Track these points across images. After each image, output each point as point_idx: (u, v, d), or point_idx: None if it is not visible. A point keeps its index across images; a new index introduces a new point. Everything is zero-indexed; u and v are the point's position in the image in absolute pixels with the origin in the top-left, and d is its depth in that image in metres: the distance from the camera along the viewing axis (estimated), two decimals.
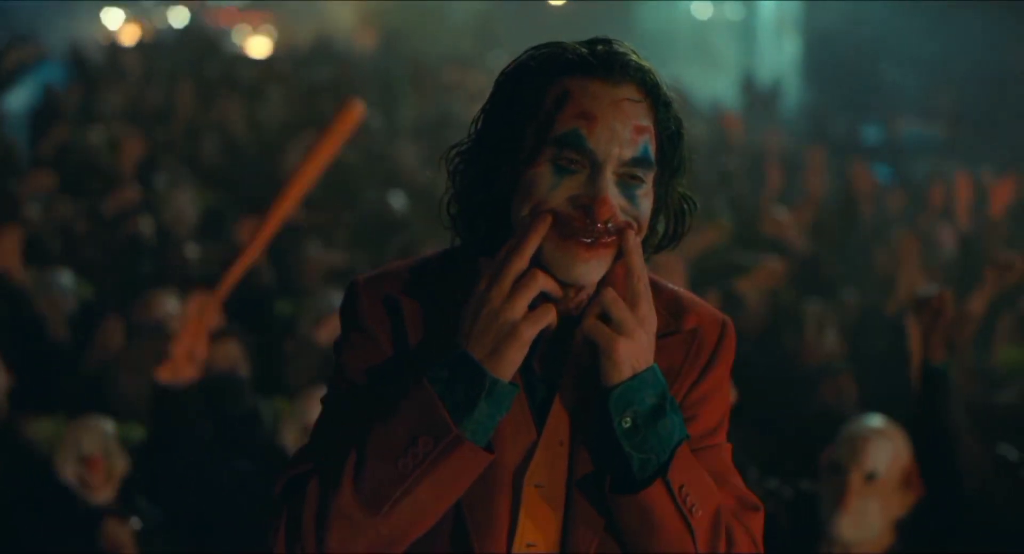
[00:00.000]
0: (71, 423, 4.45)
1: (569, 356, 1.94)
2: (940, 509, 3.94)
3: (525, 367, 1.90)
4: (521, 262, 1.84)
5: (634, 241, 1.87)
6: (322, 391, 4.37)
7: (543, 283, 1.85)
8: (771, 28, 23.61)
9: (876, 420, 3.85)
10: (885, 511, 3.67)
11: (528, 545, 1.91)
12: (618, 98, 1.87)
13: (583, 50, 1.91)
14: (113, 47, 17.64)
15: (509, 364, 1.83)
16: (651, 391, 1.86)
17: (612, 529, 1.91)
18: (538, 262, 1.87)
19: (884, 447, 3.69)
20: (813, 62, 20.73)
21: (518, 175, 1.89)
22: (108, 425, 4.42)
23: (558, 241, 1.85)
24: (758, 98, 17.06)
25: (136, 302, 5.91)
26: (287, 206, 4.11)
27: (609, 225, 1.85)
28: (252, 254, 4.18)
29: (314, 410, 4.36)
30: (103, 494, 4.32)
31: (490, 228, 1.93)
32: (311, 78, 15.06)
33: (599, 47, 1.91)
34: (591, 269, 1.86)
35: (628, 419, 1.84)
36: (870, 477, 3.65)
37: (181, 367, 4.13)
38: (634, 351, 1.85)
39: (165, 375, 4.12)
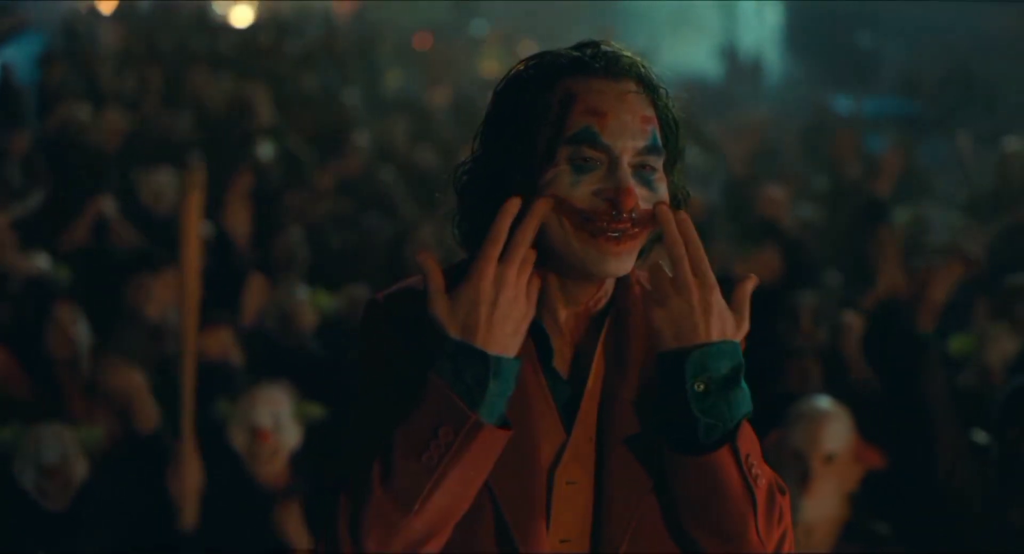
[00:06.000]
0: (30, 431, 4.41)
1: (592, 355, 2.01)
2: (910, 482, 4.04)
3: (548, 369, 1.98)
4: (522, 249, 1.89)
5: (667, 213, 1.93)
6: (263, 388, 4.50)
7: (532, 258, 1.91)
8: None
9: (823, 401, 3.94)
10: (841, 488, 3.78)
11: (562, 541, 1.96)
12: (622, 92, 1.94)
13: (576, 53, 1.99)
14: (92, 15, 17.48)
15: (516, 341, 1.89)
16: (728, 362, 1.90)
17: (643, 524, 1.96)
18: (566, 258, 1.94)
19: (838, 428, 3.78)
20: (795, 32, 20.70)
21: (535, 180, 1.94)
22: (68, 432, 4.41)
23: (588, 239, 1.90)
24: (740, 70, 17.05)
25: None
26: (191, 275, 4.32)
27: (634, 215, 1.91)
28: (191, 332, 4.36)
29: (260, 409, 4.48)
30: (61, 502, 4.32)
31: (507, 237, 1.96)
32: (296, 50, 14.97)
33: (588, 49, 1.99)
34: (622, 262, 1.93)
35: (702, 384, 1.89)
36: (829, 459, 3.74)
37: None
38: (671, 318, 1.91)
39: None
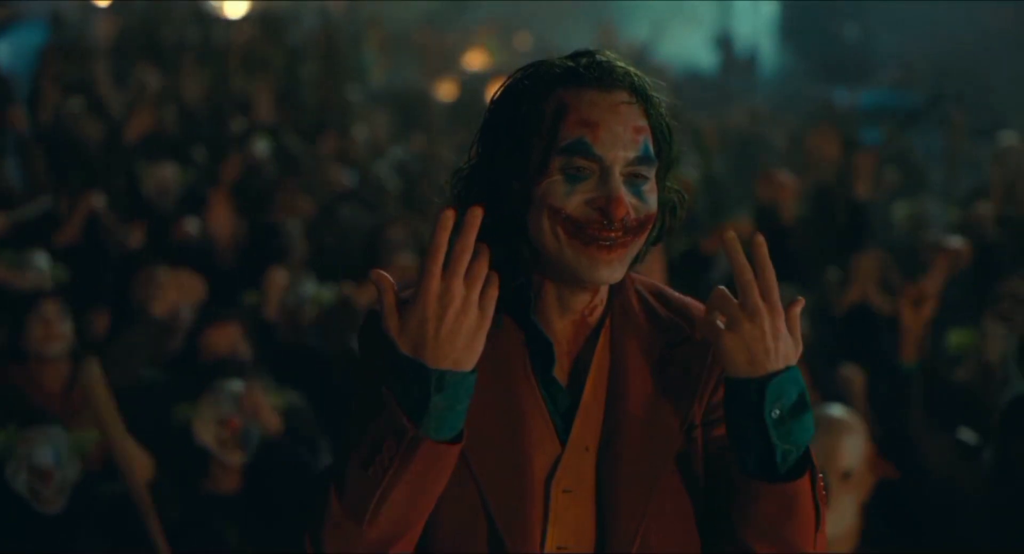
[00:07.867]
0: (22, 434, 4.39)
1: (590, 364, 2.03)
2: (905, 496, 4.02)
3: (548, 379, 2.01)
4: (464, 260, 1.87)
5: (733, 241, 1.94)
6: (225, 381, 4.51)
7: (484, 270, 1.89)
8: None
9: (837, 411, 3.88)
10: (856, 500, 3.76)
11: (559, 547, 1.98)
12: (614, 103, 1.97)
13: (570, 63, 2.01)
14: (85, 8, 17.40)
15: (469, 354, 1.87)
16: (795, 387, 1.93)
17: (652, 525, 1.98)
18: (560, 266, 1.97)
19: (854, 443, 3.74)
20: (790, 24, 20.69)
21: (530, 189, 1.97)
22: (61, 435, 4.40)
23: (580, 247, 1.95)
24: (735, 63, 17.04)
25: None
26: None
27: (625, 223, 1.95)
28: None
29: (224, 403, 4.50)
30: (55, 505, 4.31)
31: (504, 245, 1.98)
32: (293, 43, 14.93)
33: (583, 59, 2.01)
34: (614, 270, 1.97)
35: (777, 410, 1.91)
36: (846, 475, 3.71)
37: None
38: (744, 345, 1.91)
39: None
